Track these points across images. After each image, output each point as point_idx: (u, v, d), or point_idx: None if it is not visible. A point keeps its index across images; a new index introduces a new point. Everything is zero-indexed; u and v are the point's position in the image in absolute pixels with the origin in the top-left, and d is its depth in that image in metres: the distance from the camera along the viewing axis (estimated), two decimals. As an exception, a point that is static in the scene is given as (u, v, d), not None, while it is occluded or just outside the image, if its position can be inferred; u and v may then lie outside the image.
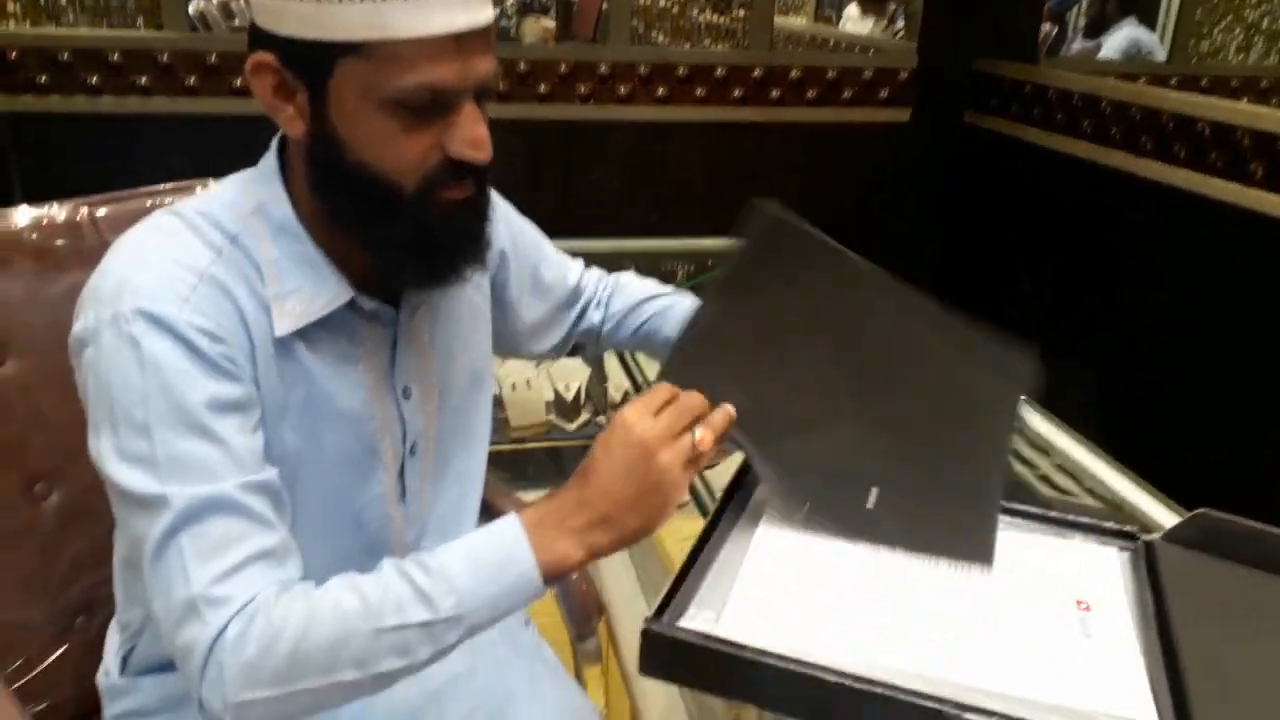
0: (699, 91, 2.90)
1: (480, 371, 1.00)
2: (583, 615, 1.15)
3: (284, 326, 0.78)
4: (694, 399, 0.77)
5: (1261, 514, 0.80)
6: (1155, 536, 0.82)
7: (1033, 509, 0.86)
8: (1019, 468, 1.31)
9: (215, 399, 0.73)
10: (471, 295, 0.97)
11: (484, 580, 0.72)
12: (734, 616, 0.70)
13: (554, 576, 0.74)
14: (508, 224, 1.05)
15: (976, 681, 0.65)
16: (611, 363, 1.88)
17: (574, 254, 1.16)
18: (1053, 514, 0.85)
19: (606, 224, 2.60)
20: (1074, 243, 2.75)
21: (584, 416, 1.84)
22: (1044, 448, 1.25)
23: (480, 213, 0.82)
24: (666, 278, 1.30)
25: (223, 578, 0.70)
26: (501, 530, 0.74)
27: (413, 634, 0.71)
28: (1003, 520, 0.84)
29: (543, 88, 2.79)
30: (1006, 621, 0.72)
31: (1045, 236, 2.87)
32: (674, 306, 1.12)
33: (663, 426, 0.74)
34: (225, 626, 0.69)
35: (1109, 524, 0.84)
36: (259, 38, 0.74)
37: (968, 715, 0.61)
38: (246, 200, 0.80)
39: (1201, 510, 0.81)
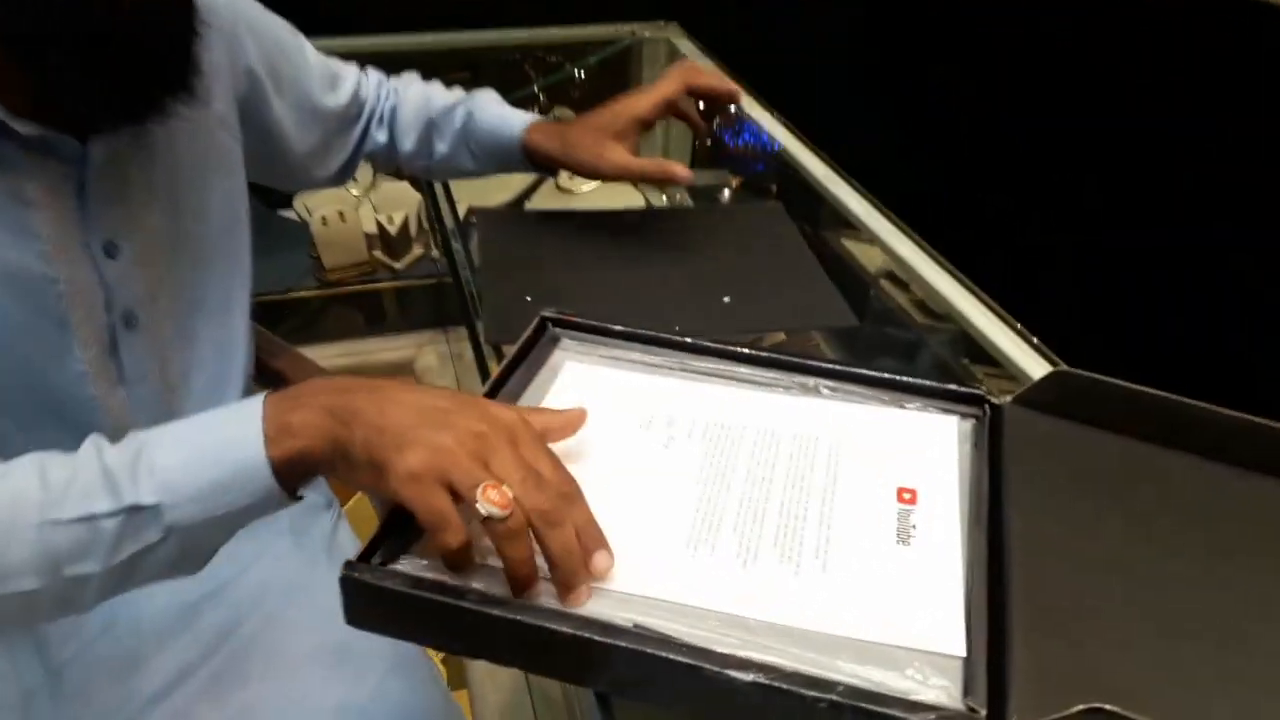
0: None
1: (230, 220, 0.84)
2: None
3: None
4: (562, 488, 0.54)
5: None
6: (1005, 400, 0.68)
7: (865, 373, 0.71)
8: (894, 291, 1.17)
9: None
10: (212, 131, 0.81)
11: (196, 462, 0.55)
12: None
13: (287, 465, 0.56)
14: (255, 34, 0.87)
15: (756, 614, 0.52)
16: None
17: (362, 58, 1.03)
18: (887, 377, 0.71)
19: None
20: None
21: (415, 252, 1.62)
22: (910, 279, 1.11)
23: (178, 14, 0.65)
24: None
25: None
26: (238, 405, 0.57)
27: (95, 528, 0.55)
28: (833, 389, 0.71)
29: None
30: (809, 532, 0.58)
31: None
32: (473, 115, 1.04)
33: (508, 458, 0.53)
34: None
35: (953, 387, 0.69)
36: None
37: (730, 672, 0.47)
38: None
39: (1059, 368, 0.67)
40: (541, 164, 1.05)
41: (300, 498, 0.59)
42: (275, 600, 0.85)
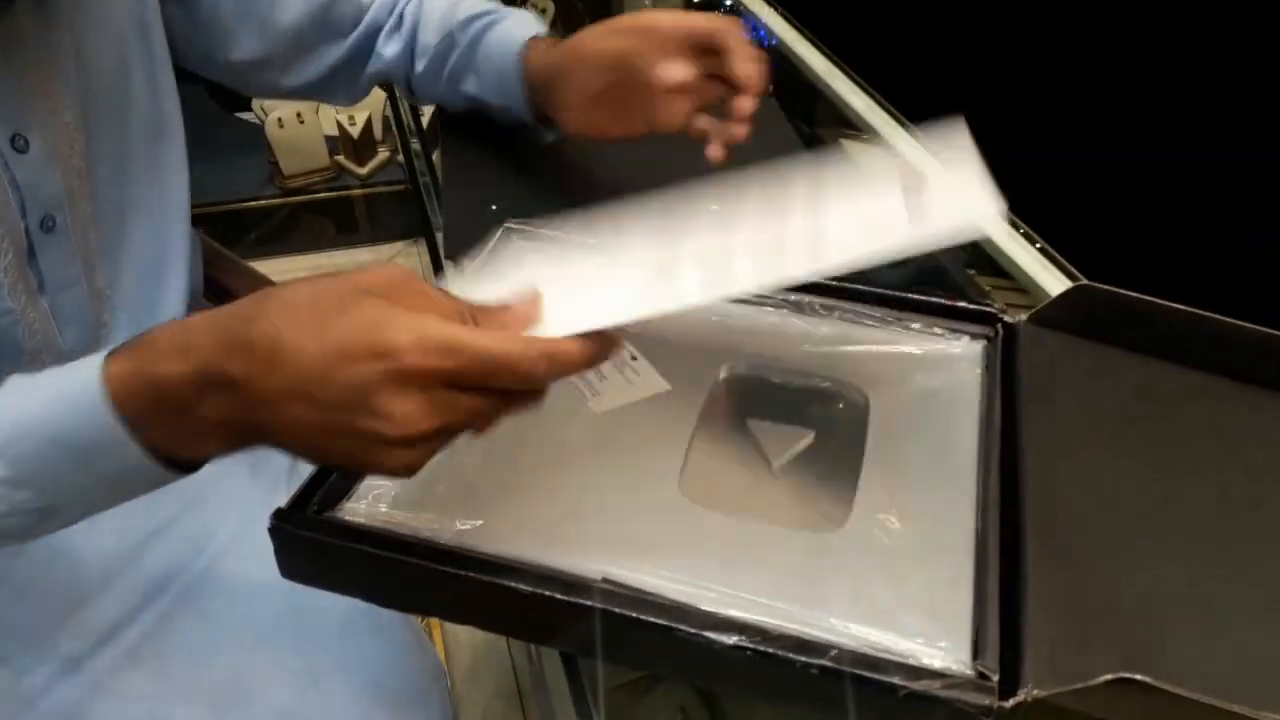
0: None
1: (157, 109, 0.76)
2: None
3: None
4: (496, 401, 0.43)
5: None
6: (1019, 318, 0.62)
7: (863, 288, 0.64)
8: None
9: None
10: (125, 1, 0.72)
11: (60, 472, 0.48)
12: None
13: (180, 461, 0.48)
14: None
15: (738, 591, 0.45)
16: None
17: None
18: (887, 293, 0.64)
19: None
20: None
21: (381, 155, 1.52)
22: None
23: None
24: None
25: None
26: (76, 399, 0.47)
27: None
28: (828, 308, 0.64)
29: None
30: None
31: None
32: (497, 26, 0.85)
33: (417, 424, 0.41)
34: None
35: (962, 304, 0.63)
36: None
37: (710, 634, 0.42)
38: None
39: (1081, 283, 0.60)
40: (544, 93, 0.82)
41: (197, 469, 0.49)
42: (228, 535, 0.79)
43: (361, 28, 0.89)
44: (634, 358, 0.60)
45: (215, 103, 1.56)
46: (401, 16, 0.89)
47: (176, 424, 0.46)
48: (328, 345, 0.41)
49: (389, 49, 0.89)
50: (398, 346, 0.40)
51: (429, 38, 0.88)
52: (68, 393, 0.48)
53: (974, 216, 0.44)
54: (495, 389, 0.42)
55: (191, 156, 0.80)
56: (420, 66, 0.89)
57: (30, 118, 0.65)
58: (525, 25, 0.86)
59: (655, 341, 0.60)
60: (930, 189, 0.46)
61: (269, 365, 0.42)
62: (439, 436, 0.42)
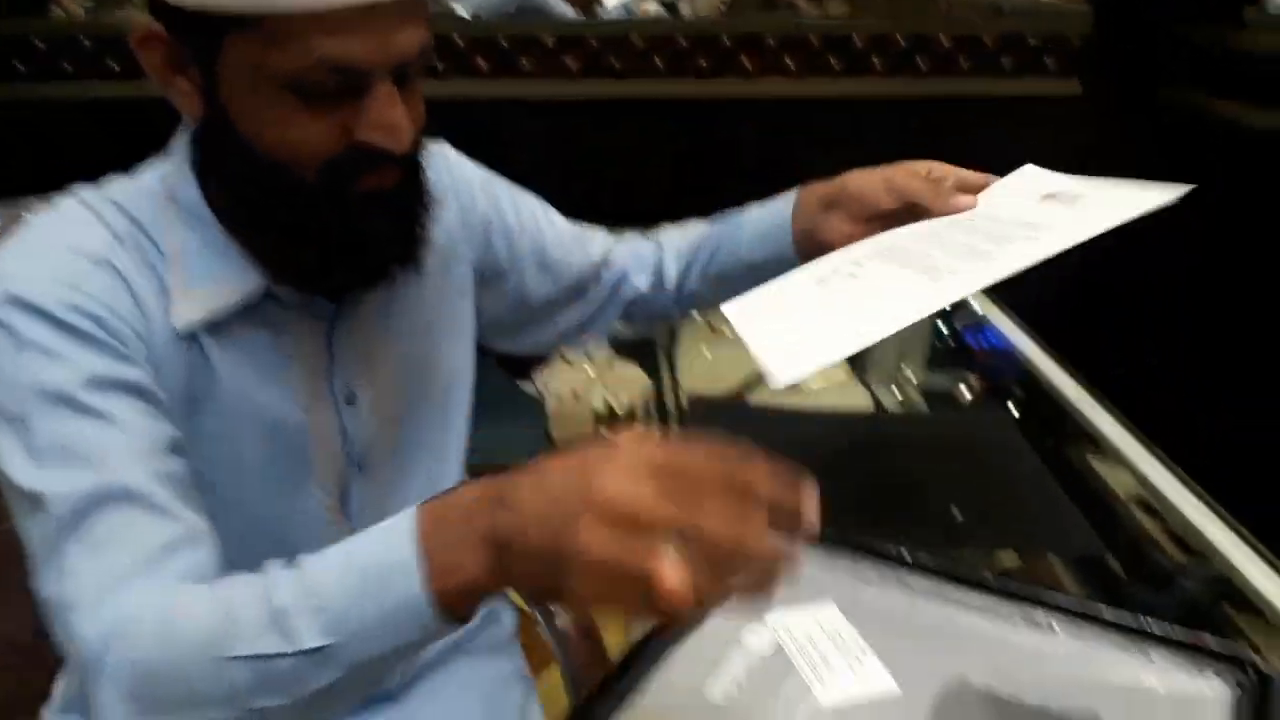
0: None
1: (453, 377, 0.90)
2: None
3: (186, 317, 0.70)
4: (731, 515, 0.47)
5: None
6: (1276, 666, 0.59)
7: (1105, 614, 0.64)
8: (1145, 520, 1.07)
9: (98, 376, 0.64)
10: (442, 287, 0.87)
11: (357, 596, 0.54)
12: None
13: (452, 598, 0.53)
14: (491, 198, 0.93)
15: None
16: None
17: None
18: (1129, 623, 0.63)
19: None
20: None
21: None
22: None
23: (405, 205, 0.73)
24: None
25: (115, 581, 0.59)
26: (392, 527, 0.56)
27: (270, 666, 0.55)
28: (1067, 629, 0.64)
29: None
30: None
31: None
32: (739, 216, 0.97)
33: (635, 502, 0.46)
34: (109, 638, 0.58)
35: (1209, 639, 0.61)
36: (152, 5, 0.67)
37: None
38: (158, 185, 0.73)
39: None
40: (813, 211, 0.91)
41: (467, 620, 0.56)
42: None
43: (613, 277, 1.01)
44: (864, 652, 0.62)
45: (504, 371, 1.77)
46: (642, 255, 1.01)
47: (454, 531, 0.53)
48: (571, 456, 0.50)
49: (640, 279, 1.01)
50: (620, 441, 0.48)
51: (676, 252, 1.00)
52: (385, 525, 0.56)
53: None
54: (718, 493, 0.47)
55: (476, 418, 0.92)
56: (674, 279, 1.01)
57: (362, 379, 0.80)
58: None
59: (886, 637, 0.62)
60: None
61: (526, 475, 0.52)
62: (649, 522, 0.46)
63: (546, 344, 1.05)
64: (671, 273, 1.01)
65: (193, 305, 0.70)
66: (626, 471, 0.47)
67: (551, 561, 0.48)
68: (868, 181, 0.88)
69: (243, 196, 0.70)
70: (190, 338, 0.71)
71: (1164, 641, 0.62)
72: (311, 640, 0.54)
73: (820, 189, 0.92)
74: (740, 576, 0.47)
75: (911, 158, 0.91)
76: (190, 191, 0.72)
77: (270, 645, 0.54)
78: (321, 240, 0.70)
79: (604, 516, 0.46)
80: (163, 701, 0.57)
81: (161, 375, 0.69)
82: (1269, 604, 0.81)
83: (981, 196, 0.86)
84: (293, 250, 0.71)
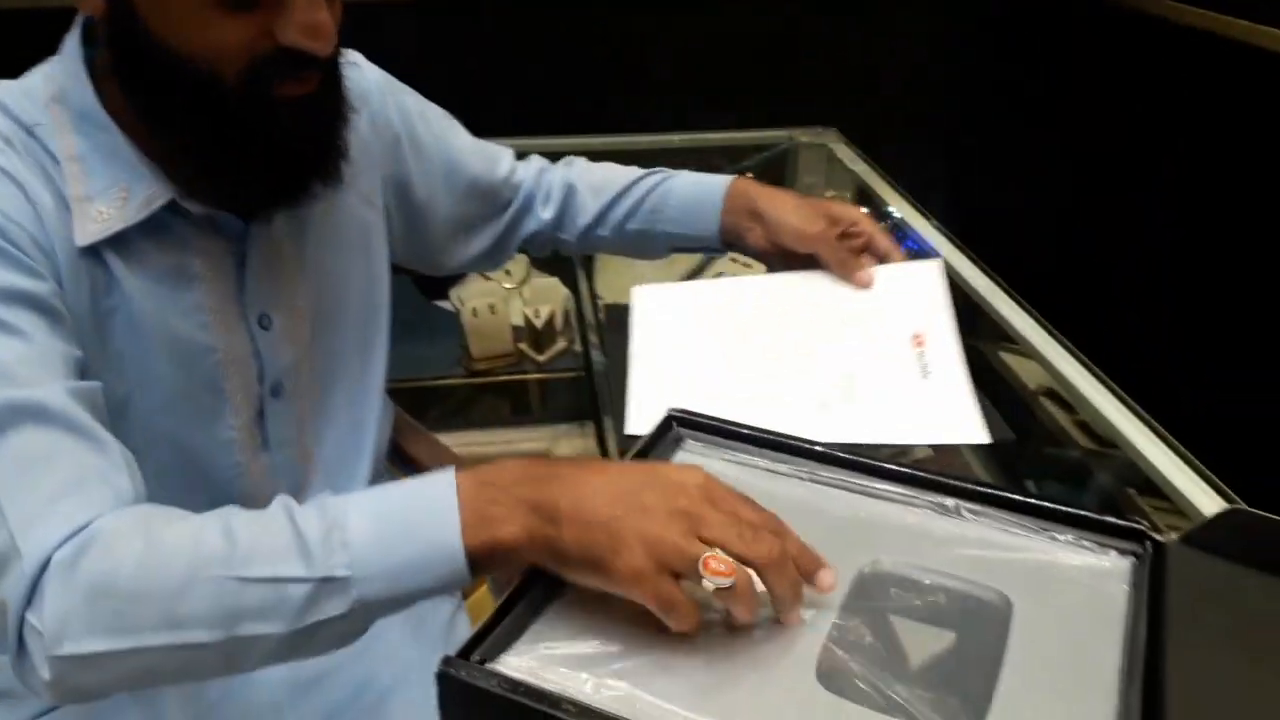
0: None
1: (370, 297, 0.87)
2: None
3: (88, 233, 0.65)
4: (790, 559, 0.55)
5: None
6: (1170, 538, 0.61)
7: (1011, 496, 0.65)
8: (1054, 410, 1.10)
9: (6, 289, 0.60)
10: (355, 207, 0.84)
11: (389, 539, 0.55)
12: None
13: (482, 553, 0.55)
14: (402, 111, 0.91)
15: None
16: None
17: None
18: (1035, 503, 0.65)
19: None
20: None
21: (559, 345, 1.64)
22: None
23: (327, 113, 0.70)
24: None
25: (45, 504, 0.55)
26: (431, 481, 0.57)
27: (282, 591, 0.54)
28: (975, 513, 0.65)
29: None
30: None
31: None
32: (669, 183, 1.02)
33: (720, 532, 0.54)
34: (48, 560, 0.54)
35: (1111, 519, 0.63)
36: None
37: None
38: (46, 86, 0.68)
39: (1233, 506, 0.60)
40: (741, 215, 0.99)
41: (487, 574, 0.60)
42: (383, 687, 0.84)
43: (519, 201, 1.03)
44: None
45: (419, 290, 1.74)
46: (559, 183, 1.03)
47: (497, 492, 0.56)
48: (636, 466, 0.59)
49: (546, 211, 1.03)
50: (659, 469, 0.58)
51: (590, 195, 1.03)
52: (420, 479, 0.58)
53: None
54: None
55: (393, 337, 0.91)
56: (581, 220, 1.03)
57: (275, 301, 0.77)
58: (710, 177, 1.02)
59: (799, 527, 0.63)
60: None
61: (581, 463, 0.58)
62: (706, 516, 0.54)
63: (455, 266, 1.04)
64: (581, 214, 1.02)
65: (93, 217, 0.66)
66: (691, 473, 0.56)
67: (607, 533, 0.53)
68: (788, 220, 0.96)
69: (152, 101, 0.66)
70: (93, 252, 0.66)
71: (1067, 521, 0.64)
72: (336, 570, 0.54)
73: (752, 194, 0.98)
74: (775, 585, 0.54)
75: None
76: (84, 94, 0.68)
77: (289, 569, 0.54)
78: (241, 149, 0.66)
79: (669, 498, 0.54)
80: (130, 620, 0.54)
81: (66, 292, 0.65)
82: (1171, 486, 0.84)
83: (879, 280, 0.96)
84: (209, 160, 0.67)
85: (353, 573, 0.54)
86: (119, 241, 0.67)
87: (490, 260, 1.07)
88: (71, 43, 0.70)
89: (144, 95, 0.66)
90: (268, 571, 0.54)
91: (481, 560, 0.55)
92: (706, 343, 0.93)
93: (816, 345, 0.91)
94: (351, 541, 0.55)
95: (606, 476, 0.56)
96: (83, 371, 0.64)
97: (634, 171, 1.04)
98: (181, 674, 0.58)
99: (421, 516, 0.55)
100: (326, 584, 0.54)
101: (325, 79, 0.69)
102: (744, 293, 0.98)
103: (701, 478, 0.56)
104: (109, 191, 0.67)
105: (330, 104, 0.71)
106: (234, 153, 0.66)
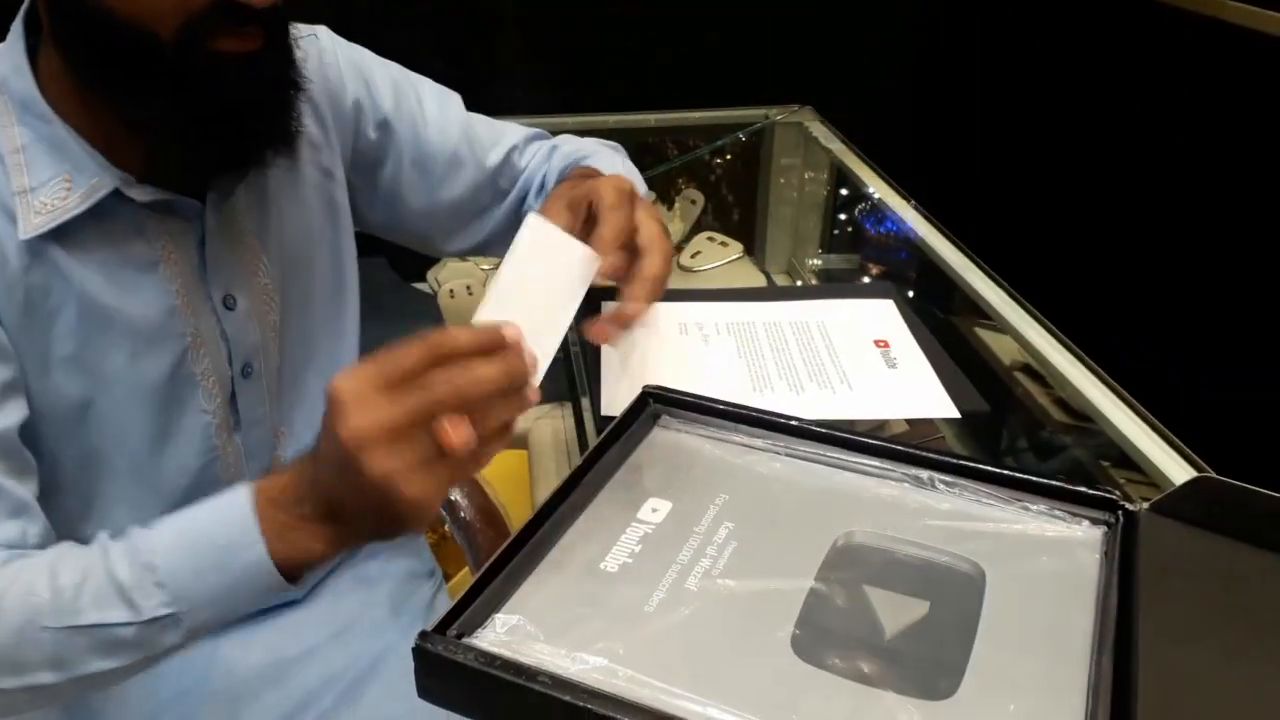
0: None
1: (336, 275, 0.86)
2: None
3: (32, 226, 0.64)
4: (454, 372, 0.52)
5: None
6: (1140, 506, 0.62)
7: (986, 468, 0.66)
8: (1029, 385, 1.10)
9: None
10: (317, 180, 0.83)
11: (202, 571, 0.57)
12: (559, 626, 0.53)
13: (297, 573, 0.58)
14: (368, 84, 0.87)
15: None
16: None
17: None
18: (1009, 474, 0.65)
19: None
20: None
21: (539, 326, 1.64)
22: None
23: (273, 72, 0.67)
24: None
25: None
26: (229, 507, 0.58)
27: (115, 635, 0.57)
28: (950, 484, 0.66)
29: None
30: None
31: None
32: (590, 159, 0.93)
33: (381, 417, 0.51)
34: None
35: (1083, 489, 0.64)
36: None
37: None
38: None
39: (1201, 474, 0.61)
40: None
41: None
42: (363, 668, 0.84)
43: (517, 190, 0.96)
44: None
45: (395, 272, 1.72)
46: (548, 176, 0.96)
47: (286, 522, 0.57)
48: (322, 428, 0.55)
49: (538, 203, 0.94)
50: (336, 387, 0.53)
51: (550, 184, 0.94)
52: (216, 501, 0.59)
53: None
54: (435, 368, 0.52)
55: (368, 319, 0.90)
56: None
57: (238, 280, 0.76)
58: (604, 159, 0.93)
59: (777, 503, 0.63)
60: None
61: (315, 458, 0.57)
62: (408, 426, 0.51)
63: (461, 251, 1.01)
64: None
65: (36, 209, 0.65)
66: (356, 404, 0.52)
67: (375, 507, 0.53)
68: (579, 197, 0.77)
69: (95, 72, 0.64)
70: (37, 253, 0.65)
71: (1040, 491, 0.64)
72: (158, 610, 0.57)
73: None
74: (496, 412, 0.53)
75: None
76: (23, 82, 0.66)
77: (114, 615, 0.57)
78: (186, 112, 0.64)
79: (371, 443, 0.51)
80: None
81: (6, 304, 0.64)
82: (1144, 457, 0.85)
83: (837, 310, 0.99)
84: (155, 130, 0.65)
85: (176, 609, 0.57)
86: (64, 235, 0.66)
87: (486, 250, 1.01)
88: (15, 26, 0.68)
89: (86, 67, 0.65)
90: (95, 618, 0.57)
91: (297, 571, 0.58)
92: (678, 340, 0.95)
93: (788, 338, 0.95)
94: (165, 582, 0.57)
95: (329, 457, 0.54)
96: (21, 391, 0.65)
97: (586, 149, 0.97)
98: (39, 705, 0.64)
99: (228, 544, 0.57)
100: (154, 623, 0.57)
101: (270, 40, 0.66)
102: (708, 312, 1.00)
103: (356, 386, 0.52)
104: (52, 183, 0.65)
105: (276, 65, 0.68)
106: (179, 118, 0.64)
